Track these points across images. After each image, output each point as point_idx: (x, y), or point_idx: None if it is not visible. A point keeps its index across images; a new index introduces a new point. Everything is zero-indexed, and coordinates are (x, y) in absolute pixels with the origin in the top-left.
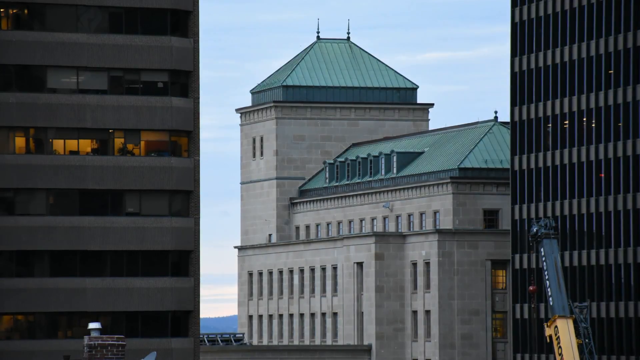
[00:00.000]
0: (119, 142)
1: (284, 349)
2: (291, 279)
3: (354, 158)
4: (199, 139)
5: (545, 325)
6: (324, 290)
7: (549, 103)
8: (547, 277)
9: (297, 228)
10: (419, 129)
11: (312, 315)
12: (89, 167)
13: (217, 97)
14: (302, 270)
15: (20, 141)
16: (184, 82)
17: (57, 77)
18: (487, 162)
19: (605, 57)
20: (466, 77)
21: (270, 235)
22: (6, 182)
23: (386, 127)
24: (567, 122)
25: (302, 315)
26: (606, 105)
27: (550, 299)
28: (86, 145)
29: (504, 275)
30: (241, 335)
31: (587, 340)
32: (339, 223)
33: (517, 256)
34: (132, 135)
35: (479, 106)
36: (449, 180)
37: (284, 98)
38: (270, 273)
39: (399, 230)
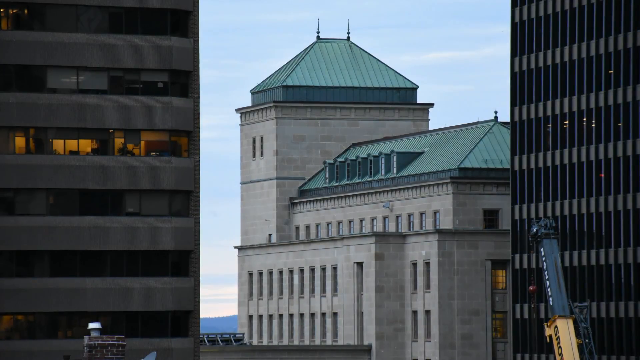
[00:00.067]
0: (119, 142)
1: (284, 349)
2: (291, 279)
3: (354, 158)
4: (199, 139)
5: (545, 325)
6: (324, 290)
7: (549, 103)
8: (547, 277)
9: (297, 228)
10: (419, 129)
11: (312, 315)
12: (89, 167)
13: (217, 97)
14: (302, 270)
15: (20, 141)
16: (184, 82)
17: (57, 77)
18: (487, 162)
19: (605, 57)
20: (466, 77)
21: (270, 235)
22: (6, 182)
23: (386, 127)
24: (567, 122)
25: (302, 315)
26: (606, 105)
27: (550, 299)
28: (86, 145)
29: (504, 275)
30: (241, 335)
31: (587, 340)
32: (339, 223)
33: (517, 256)
34: (132, 135)
35: (479, 106)
36: (449, 180)
37: (284, 98)
38: (270, 273)
39: (399, 230)
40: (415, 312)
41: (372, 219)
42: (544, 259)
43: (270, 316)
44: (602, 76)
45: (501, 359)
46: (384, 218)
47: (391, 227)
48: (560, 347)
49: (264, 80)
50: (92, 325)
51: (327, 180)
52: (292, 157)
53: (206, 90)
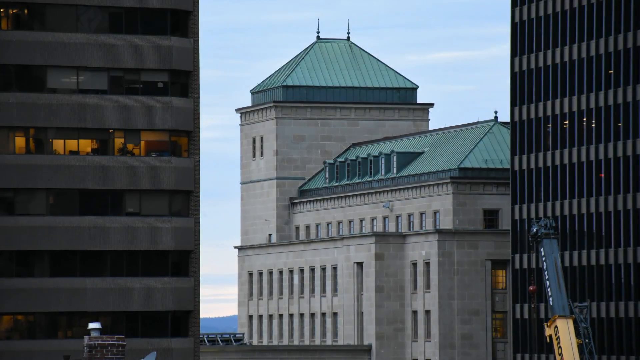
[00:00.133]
0: (119, 142)
1: (284, 349)
2: (291, 279)
3: (354, 158)
4: (199, 139)
5: (545, 325)
6: (324, 290)
7: (549, 103)
8: (547, 277)
9: (297, 228)
10: (419, 129)
11: (312, 315)
12: (89, 167)
13: (217, 97)
14: (302, 270)
15: (20, 141)
16: (184, 82)
17: (57, 77)
18: (487, 162)
19: (605, 57)
20: (466, 77)
21: (270, 235)
22: (6, 182)
23: (386, 127)
24: (567, 122)
25: (302, 315)
26: (606, 105)
27: (550, 299)
28: (86, 145)
29: (504, 275)
30: (241, 335)
31: (587, 340)
32: (339, 223)
33: (517, 256)
34: (132, 135)
35: (479, 106)
36: (449, 180)
37: (284, 98)
38: (270, 273)
39: (399, 230)
40: (415, 312)
41: (372, 219)
42: (544, 259)
43: (270, 316)
44: (602, 76)
45: (501, 359)
46: (384, 218)
47: (391, 227)
48: (560, 347)
49: (264, 80)
50: (92, 325)
51: (327, 180)
52: (292, 157)
53: (206, 90)
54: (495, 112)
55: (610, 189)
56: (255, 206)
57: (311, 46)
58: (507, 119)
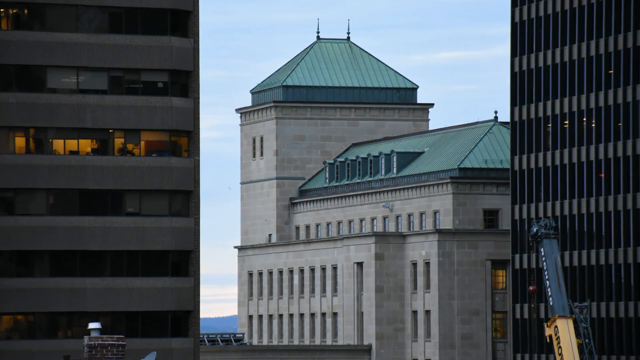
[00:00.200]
0: (119, 142)
1: (284, 349)
2: (291, 279)
3: (354, 158)
4: (199, 139)
5: (545, 325)
6: (324, 290)
7: (549, 103)
8: (547, 277)
9: (297, 228)
10: (419, 129)
11: (312, 315)
12: (89, 167)
13: (217, 97)
14: (302, 270)
15: (20, 141)
16: (184, 82)
17: (57, 77)
18: (487, 162)
19: (605, 57)
20: (466, 77)
21: (270, 235)
22: (6, 182)
23: (386, 127)
24: (567, 122)
25: (302, 315)
26: (606, 105)
27: (550, 299)
28: (86, 145)
29: (504, 275)
30: (241, 335)
31: (587, 340)
32: (339, 223)
33: (517, 256)
34: (132, 135)
35: (479, 106)
36: (449, 180)
37: (284, 98)
38: (270, 273)
39: (399, 230)
40: (415, 312)
41: (372, 219)
42: (544, 259)
43: (270, 316)
44: (602, 76)
45: (501, 359)
46: (384, 218)
47: (391, 227)
48: (560, 347)
49: (264, 80)
50: (92, 325)
51: (327, 180)
52: (292, 157)
53: (206, 91)
54: (495, 112)
55: (610, 189)
56: (255, 206)
57: (311, 46)
58: (507, 119)
